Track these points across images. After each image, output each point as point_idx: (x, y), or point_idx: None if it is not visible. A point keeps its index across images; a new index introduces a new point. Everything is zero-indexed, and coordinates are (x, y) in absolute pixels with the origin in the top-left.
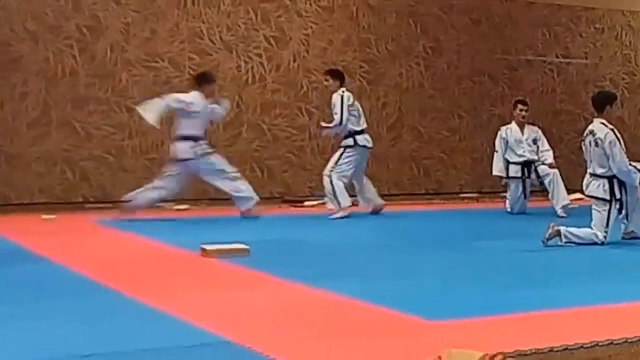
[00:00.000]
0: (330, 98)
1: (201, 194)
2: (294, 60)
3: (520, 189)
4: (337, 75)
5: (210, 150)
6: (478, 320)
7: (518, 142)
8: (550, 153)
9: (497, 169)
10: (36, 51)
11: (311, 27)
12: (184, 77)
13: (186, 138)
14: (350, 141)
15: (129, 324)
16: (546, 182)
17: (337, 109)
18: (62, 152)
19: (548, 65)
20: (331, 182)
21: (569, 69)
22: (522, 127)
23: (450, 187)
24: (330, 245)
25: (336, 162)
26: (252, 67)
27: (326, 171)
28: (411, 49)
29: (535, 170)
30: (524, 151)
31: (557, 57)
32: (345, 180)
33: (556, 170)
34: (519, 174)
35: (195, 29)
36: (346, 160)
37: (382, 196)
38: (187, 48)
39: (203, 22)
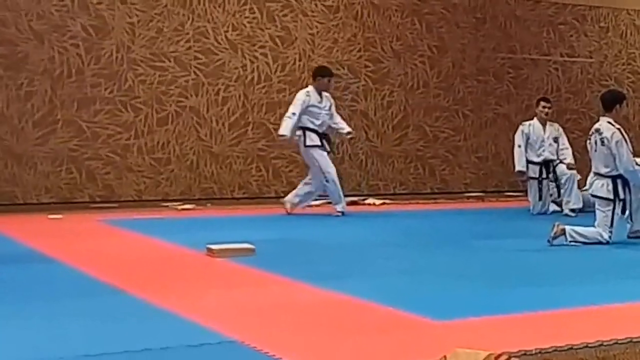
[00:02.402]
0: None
1: (206, 193)
2: (300, 60)
3: (537, 190)
4: None
5: None
6: (483, 319)
7: (540, 140)
8: (570, 152)
9: (521, 164)
10: (42, 51)
11: (316, 27)
12: (190, 76)
13: None
14: None
15: (136, 324)
16: (562, 181)
17: None
18: (68, 152)
19: (553, 64)
20: None
21: (574, 68)
22: (544, 125)
23: (455, 186)
24: (335, 244)
25: None
26: (257, 67)
27: None
28: (416, 48)
29: (554, 171)
30: (544, 150)
31: (561, 56)
32: None
33: (574, 172)
34: (537, 174)
35: (201, 29)
36: None
37: (387, 195)
38: (193, 47)
39: (209, 22)
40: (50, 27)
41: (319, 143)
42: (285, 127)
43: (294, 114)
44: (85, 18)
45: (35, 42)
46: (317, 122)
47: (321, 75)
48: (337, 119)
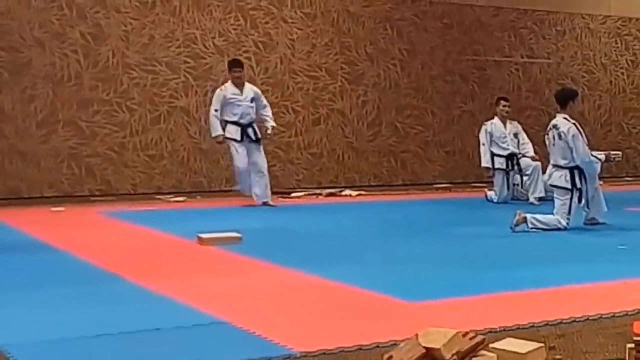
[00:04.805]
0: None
1: (196, 186)
2: (281, 63)
3: (505, 180)
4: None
5: None
6: (452, 301)
7: (502, 136)
8: (531, 146)
9: (486, 160)
10: (44, 56)
11: (296, 33)
12: (180, 79)
13: None
14: None
15: (131, 307)
16: (528, 172)
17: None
18: (68, 150)
19: (514, 65)
20: None
21: (533, 69)
22: (504, 122)
23: (425, 178)
24: (316, 233)
25: None
26: None
27: None
28: (388, 51)
29: (518, 163)
30: (507, 144)
31: (522, 57)
32: None
33: (539, 163)
34: (504, 166)
35: (190, 35)
36: None
37: (363, 187)
38: (183, 52)
39: (197, 29)
40: (51, 35)
41: (237, 137)
42: (215, 128)
43: (216, 110)
44: (84, 26)
45: (38, 49)
46: (237, 113)
47: (228, 69)
48: (266, 110)
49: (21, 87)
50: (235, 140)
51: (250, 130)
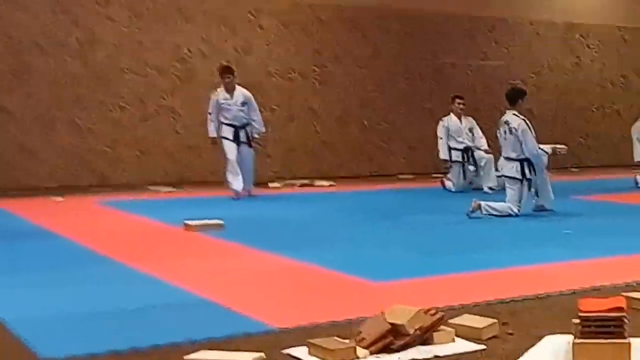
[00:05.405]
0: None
1: (183, 178)
2: (258, 65)
3: (462, 171)
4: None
5: None
6: (415, 280)
7: (458, 131)
8: (484, 140)
9: (444, 153)
10: (44, 61)
11: (272, 38)
12: (167, 81)
13: None
14: None
15: (125, 287)
16: (481, 164)
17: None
18: (68, 145)
19: (469, 67)
20: None
21: (487, 70)
22: (460, 118)
23: (390, 170)
24: (292, 220)
25: None
26: None
27: None
28: (355, 54)
29: (472, 156)
30: (463, 139)
31: (477, 60)
32: None
33: (491, 156)
34: (460, 159)
35: (176, 41)
36: None
37: (334, 178)
38: (169, 56)
39: (182, 35)
40: (50, 41)
41: (230, 136)
42: (209, 130)
43: (210, 113)
44: (80, 33)
45: (38, 54)
46: (229, 117)
47: (219, 75)
48: (255, 114)
49: (24, 89)
50: (227, 138)
51: (242, 132)
